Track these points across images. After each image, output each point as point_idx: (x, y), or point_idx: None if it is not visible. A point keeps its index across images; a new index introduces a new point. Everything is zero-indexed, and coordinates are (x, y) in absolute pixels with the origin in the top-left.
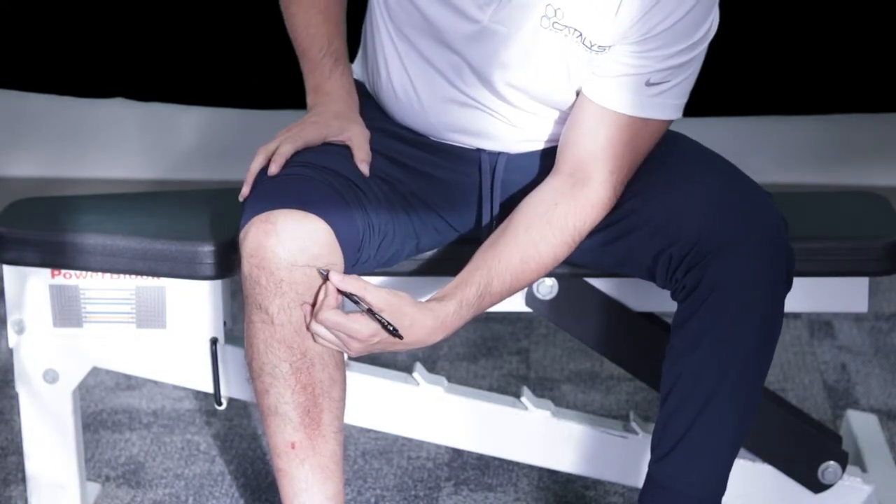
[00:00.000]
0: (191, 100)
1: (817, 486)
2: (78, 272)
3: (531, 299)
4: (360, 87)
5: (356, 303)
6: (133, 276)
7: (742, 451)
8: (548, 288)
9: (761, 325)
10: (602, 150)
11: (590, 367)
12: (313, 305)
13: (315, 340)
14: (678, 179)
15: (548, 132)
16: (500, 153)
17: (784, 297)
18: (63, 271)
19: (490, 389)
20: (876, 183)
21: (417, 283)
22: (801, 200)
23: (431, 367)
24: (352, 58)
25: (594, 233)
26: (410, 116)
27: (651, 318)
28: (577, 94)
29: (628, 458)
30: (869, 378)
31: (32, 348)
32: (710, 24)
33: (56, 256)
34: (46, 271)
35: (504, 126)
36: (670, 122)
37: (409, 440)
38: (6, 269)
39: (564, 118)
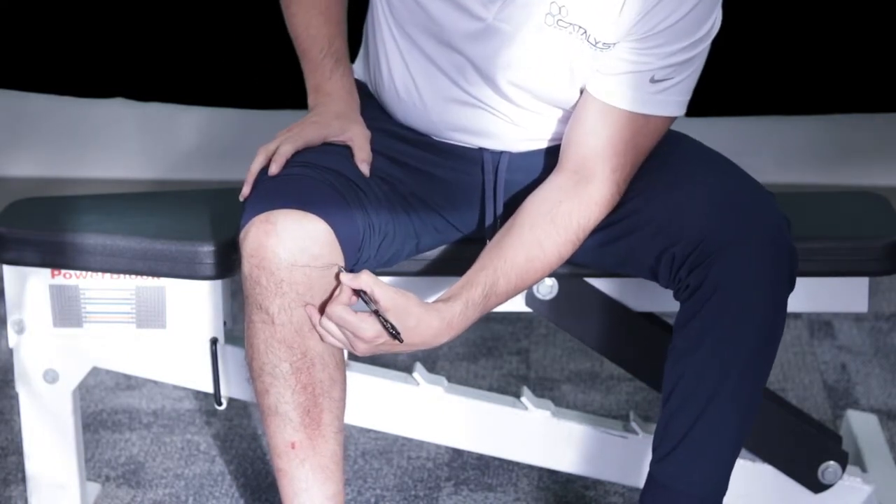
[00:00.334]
0: (191, 100)
1: (817, 486)
2: (78, 272)
3: (531, 299)
4: (362, 88)
5: (366, 302)
6: (133, 276)
7: (742, 451)
8: (548, 288)
9: (763, 326)
10: (605, 147)
11: (590, 367)
12: (315, 306)
13: (322, 338)
14: (680, 179)
15: (551, 131)
16: (502, 152)
17: (786, 297)
18: (63, 271)
19: (490, 389)
20: (876, 183)
21: (422, 283)
22: (802, 200)
23: (431, 367)
24: (353, 57)
25: (595, 232)
26: (412, 115)
27: (651, 319)
28: (581, 92)
29: (628, 458)
30: (869, 378)
31: (32, 348)
32: (713, 22)
33: (56, 256)
34: (46, 271)
35: (507, 125)
36: (673, 119)
37: (409, 440)
38: (6, 269)
39: (567, 117)
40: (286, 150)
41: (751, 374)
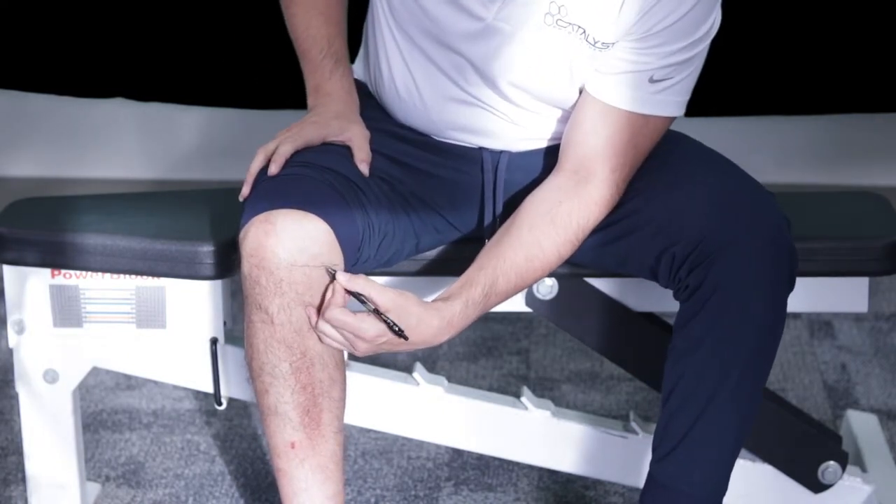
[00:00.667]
0: (191, 100)
1: (817, 486)
2: (78, 272)
3: (531, 299)
4: (361, 88)
5: (363, 302)
6: (133, 276)
7: (742, 451)
8: (548, 288)
9: (763, 325)
10: (604, 147)
11: (590, 367)
12: (314, 306)
13: (321, 340)
14: (680, 179)
15: (550, 131)
16: (502, 152)
17: (786, 297)
18: (63, 271)
19: (490, 389)
20: (876, 183)
21: (422, 283)
22: (802, 200)
23: (431, 367)
24: (352, 58)
25: (595, 232)
26: (412, 115)
27: (651, 319)
28: (580, 92)
29: (628, 458)
30: (869, 378)
31: (32, 348)
32: (712, 22)
33: (56, 256)
34: (46, 271)
35: (506, 124)
36: (673, 119)
37: (409, 440)
38: (6, 269)
39: (567, 116)
40: (285, 150)
41: (751, 374)
